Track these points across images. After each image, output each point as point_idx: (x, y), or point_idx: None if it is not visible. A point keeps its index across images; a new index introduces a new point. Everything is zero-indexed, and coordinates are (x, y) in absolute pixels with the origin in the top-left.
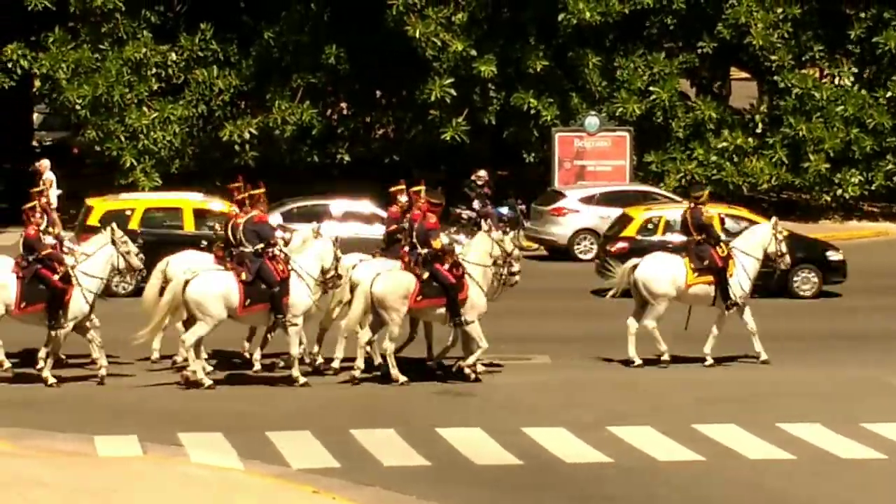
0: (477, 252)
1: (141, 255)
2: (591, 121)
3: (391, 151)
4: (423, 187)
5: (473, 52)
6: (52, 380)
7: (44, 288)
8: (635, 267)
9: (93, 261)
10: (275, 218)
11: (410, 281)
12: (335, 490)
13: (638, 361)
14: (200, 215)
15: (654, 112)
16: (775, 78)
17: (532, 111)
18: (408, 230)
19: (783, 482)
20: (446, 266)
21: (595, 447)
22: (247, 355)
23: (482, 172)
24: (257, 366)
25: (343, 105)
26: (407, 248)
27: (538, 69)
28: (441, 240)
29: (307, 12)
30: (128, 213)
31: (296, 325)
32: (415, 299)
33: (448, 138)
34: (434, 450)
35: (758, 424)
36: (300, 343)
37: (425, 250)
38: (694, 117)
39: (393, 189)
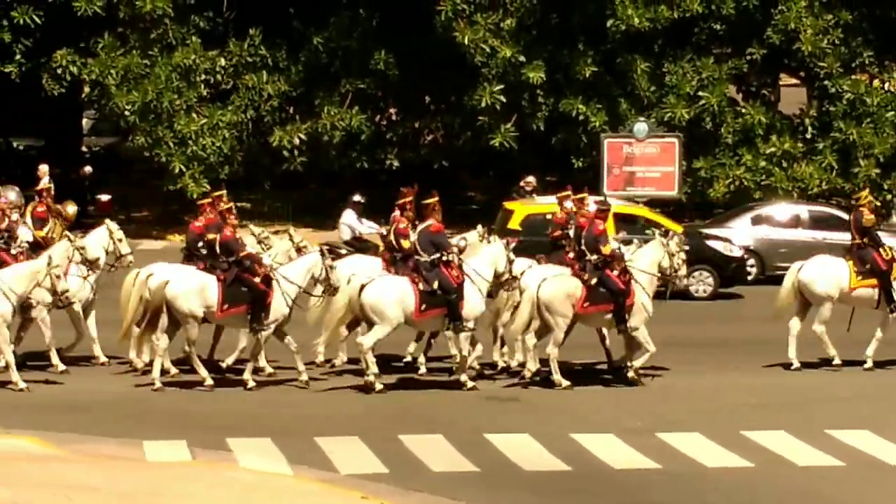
0: (647, 260)
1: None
2: (640, 127)
3: (440, 157)
4: (586, 194)
5: (522, 58)
6: (251, 383)
7: (246, 290)
8: (799, 270)
9: (294, 266)
10: (743, 222)
11: (577, 286)
12: (383, 496)
13: (796, 364)
14: (621, 220)
15: (702, 117)
16: (825, 83)
17: (580, 117)
18: (574, 237)
19: (833, 489)
20: (615, 272)
21: (644, 453)
22: (409, 358)
23: (530, 178)
24: (423, 369)
25: (392, 111)
26: (571, 255)
27: (587, 75)
28: (611, 245)
29: (356, 18)
30: (548, 216)
31: (470, 329)
32: (582, 305)
33: (497, 144)
34: (482, 455)
35: (806, 430)
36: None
37: (594, 256)
38: (743, 122)
39: (559, 195)
